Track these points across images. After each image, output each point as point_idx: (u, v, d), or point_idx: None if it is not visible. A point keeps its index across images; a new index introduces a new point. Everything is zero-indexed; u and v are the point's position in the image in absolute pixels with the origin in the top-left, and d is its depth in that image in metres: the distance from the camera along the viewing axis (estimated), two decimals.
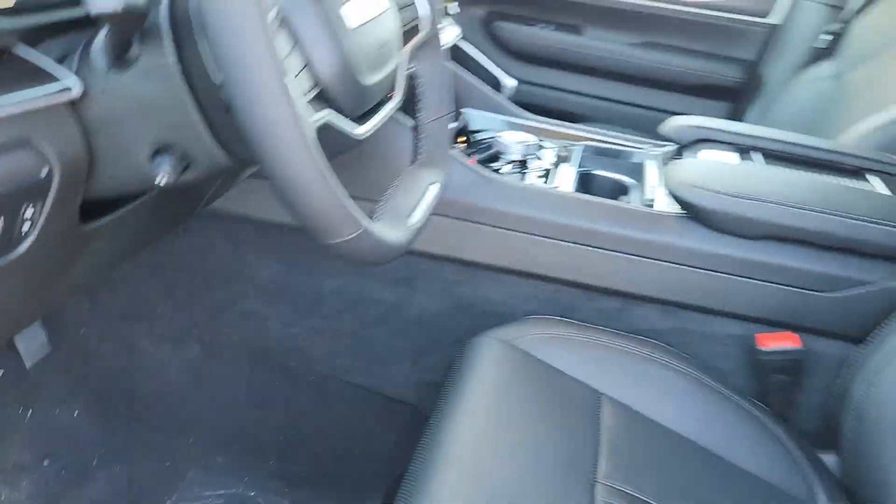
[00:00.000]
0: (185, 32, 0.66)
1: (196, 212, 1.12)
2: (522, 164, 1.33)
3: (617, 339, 1.10)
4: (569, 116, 1.99)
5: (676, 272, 1.12)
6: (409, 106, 0.94)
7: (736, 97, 2.15)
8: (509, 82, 2.21)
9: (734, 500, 0.96)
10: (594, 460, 0.92)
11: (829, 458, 1.11)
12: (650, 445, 0.99)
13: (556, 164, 1.36)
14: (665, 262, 1.12)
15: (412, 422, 1.27)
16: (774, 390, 1.11)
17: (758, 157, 1.26)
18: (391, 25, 0.81)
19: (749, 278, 1.10)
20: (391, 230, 0.72)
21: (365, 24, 0.75)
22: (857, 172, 1.30)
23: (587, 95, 2.16)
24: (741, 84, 2.11)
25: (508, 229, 1.15)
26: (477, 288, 1.19)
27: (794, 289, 1.09)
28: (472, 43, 2.28)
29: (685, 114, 1.40)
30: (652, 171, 1.32)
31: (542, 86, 2.21)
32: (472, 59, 2.30)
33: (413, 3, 0.90)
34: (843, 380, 1.04)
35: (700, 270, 1.12)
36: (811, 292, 1.09)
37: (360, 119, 0.76)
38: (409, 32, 0.90)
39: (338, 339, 1.26)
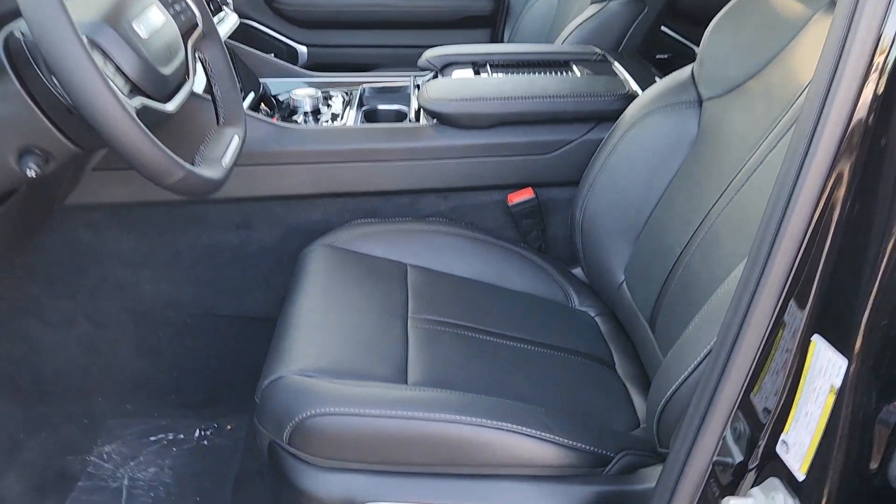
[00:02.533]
0: (22, 62, 0.94)
1: (55, 207, 1.38)
2: (315, 113, 1.66)
3: (413, 224, 1.47)
4: (360, 68, 2.33)
5: (443, 165, 1.50)
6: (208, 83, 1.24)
7: (492, 23, 2.56)
8: (301, 49, 2.52)
9: (511, 309, 1.36)
10: (405, 306, 1.28)
11: (577, 271, 1.55)
12: (445, 288, 1.37)
13: (344, 108, 1.70)
14: (434, 160, 1.50)
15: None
16: (527, 232, 1.52)
17: (486, 69, 1.65)
18: (172, 30, 1.11)
19: (494, 157, 1.50)
20: (209, 170, 1.04)
21: (153, 33, 1.05)
22: (566, 64, 1.72)
23: (368, 46, 2.51)
24: (492, 12, 2.52)
25: (312, 163, 1.48)
26: (301, 215, 1.52)
27: (525, 157, 1.50)
28: (260, 22, 2.55)
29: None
30: (414, 96, 1.69)
31: (330, 46, 2.54)
32: (264, 35, 2.58)
33: (190, 8, 1.20)
34: (571, 212, 1.47)
35: (459, 160, 1.50)
36: (537, 157, 1.50)
37: (169, 98, 1.07)
38: (192, 29, 1.20)
39: (200, 284, 1.55)
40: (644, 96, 1.40)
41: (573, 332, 1.38)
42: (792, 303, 0.66)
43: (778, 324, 0.68)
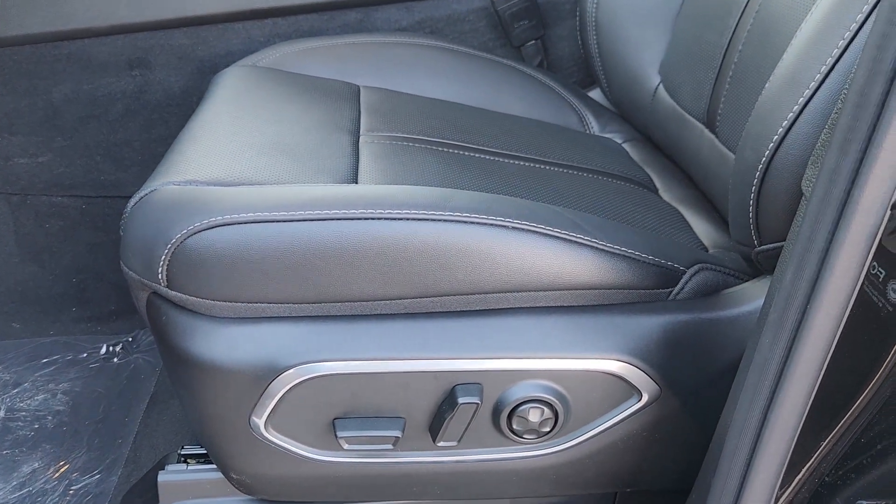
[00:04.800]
0: None
1: None
2: None
3: (367, 37, 1.07)
4: None
5: None
6: None
7: None
8: None
9: (511, 130, 0.97)
10: (356, 122, 0.90)
11: (594, 93, 1.16)
12: (415, 108, 0.98)
13: None
14: None
15: None
16: (523, 41, 1.13)
17: None
18: None
19: None
20: None
21: None
22: None
23: None
24: None
25: None
26: (214, 44, 1.13)
27: None
28: None
29: None
30: None
31: None
32: None
33: None
34: (580, 8, 1.08)
35: None
36: None
37: None
38: None
39: (91, 152, 1.16)
40: None
41: (599, 155, 0.99)
42: None
43: None
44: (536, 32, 1.12)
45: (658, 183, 0.97)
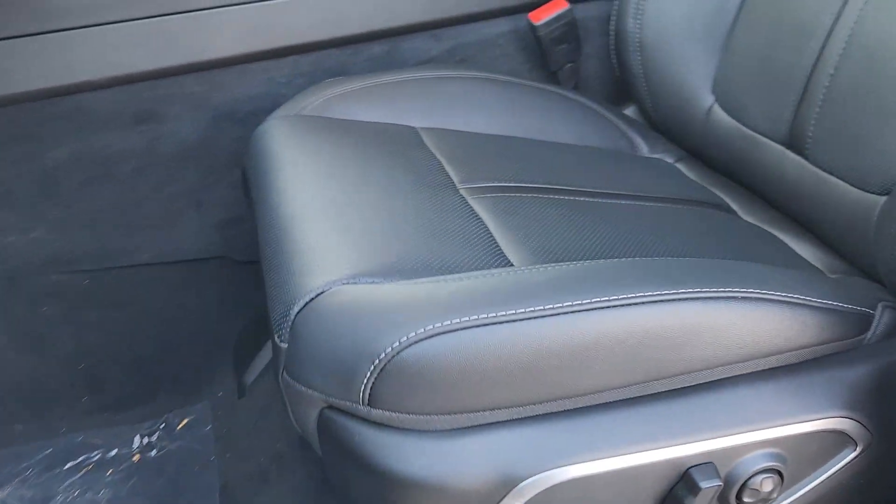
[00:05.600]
0: None
1: None
2: None
3: (404, 74, 1.00)
4: None
5: None
6: None
7: None
8: None
9: (578, 163, 0.94)
10: (445, 175, 0.83)
11: (629, 111, 1.14)
12: (482, 149, 0.92)
13: None
14: None
15: (223, 273, 1.10)
16: (561, 65, 1.09)
17: None
18: None
19: None
20: None
21: None
22: None
23: None
24: None
25: (237, 4, 0.97)
26: (232, 90, 1.01)
27: None
28: None
29: None
30: None
31: None
32: None
33: None
34: (618, 27, 1.05)
35: None
36: None
37: None
38: None
39: (97, 220, 1.02)
40: None
41: (665, 180, 0.97)
42: None
43: None
44: (574, 55, 1.09)
45: (732, 204, 0.97)
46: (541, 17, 1.03)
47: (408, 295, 0.57)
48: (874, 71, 0.78)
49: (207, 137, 1.02)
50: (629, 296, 0.56)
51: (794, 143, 0.89)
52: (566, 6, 1.04)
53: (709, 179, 1.02)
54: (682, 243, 0.77)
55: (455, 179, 0.83)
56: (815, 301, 0.62)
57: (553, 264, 0.61)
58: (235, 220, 1.07)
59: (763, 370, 0.61)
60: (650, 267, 0.60)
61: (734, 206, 0.96)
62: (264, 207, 0.78)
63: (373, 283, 0.59)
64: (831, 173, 0.84)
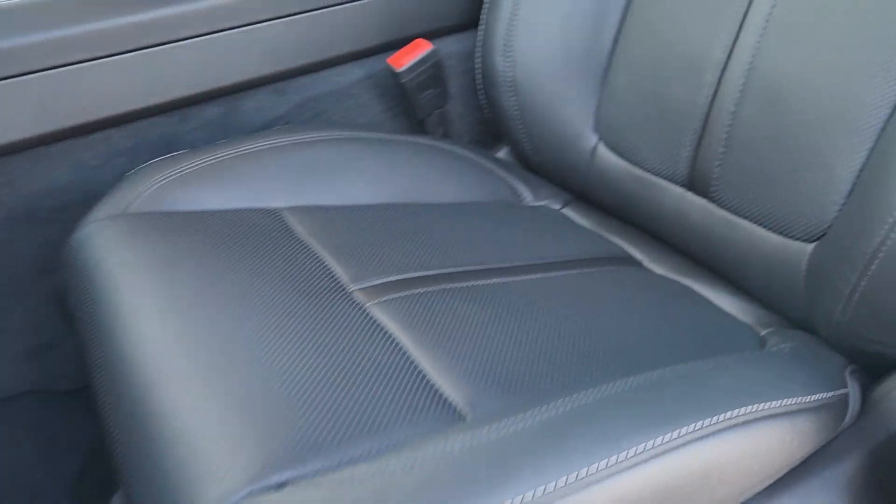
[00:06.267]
0: None
1: None
2: None
3: (252, 143, 0.83)
4: None
5: (266, 32, 0.87)
6: None
7: None
8: None
9: (469, 230, 0.82)
10: (329, 276, 0.68)
11: (503, 152, 1.04)
12: (363, 229, 0.78)
13: None
14: (248, 26, 0.85)
15: (38, 412, 0.87)
16: (429, 111, 0.97)
17: None
18: None
19: (355, 1, 0.90)
20: None
21: None
22: None
23: None
24: None
25: (14, 77, 0.75)
26: (26, 183, 0.79)
27: None
28: None
29: None
30: None
31: None
32: None
33: None
34: (484, 64, 0.94)
35: (294, 17, 0.88)
36: None
37: None
38: None
39: None
40: None
41: (563, 237, 0.88)
42: None
43: None
44: (442, 100, 0.96)
45: (636, 253, 0.89)
46: (402, 61, 0.90)
47: (351, 501, 0.41)
48: (780, 107, 0.73)
49: (1, 245, 0.79)
50: (625, 454, 0.44)
51: (696, 184, 0.83)
52: (430, 47, 0.91)
53: (603, 225, 0.94)
54: (615, 323, 0.67)
55: (344, 279, 0.67)
56: (805, 400, 0.54)
57: (517, 416, 0.48)
58: (49, 346, 0.84)
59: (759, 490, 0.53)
60: (632, 403, 0.49)
61: (638, 255, 0.89)
62: (98, 340, 0.59)
63: (289, 484, 0.43)
64: (744, 217, 0.78)
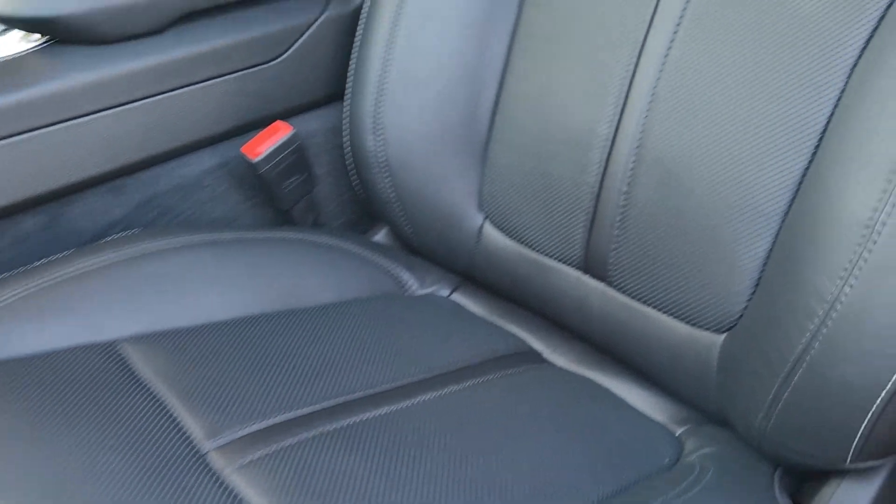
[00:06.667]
0: None
1: None
2: None
3: (83, 262, 0.69)
4: None
5: (97, 124, 0.74)
6: None
7: None
8: None
9: (348, 341, 0.72)
10: (179, 433, 0.56)
11: (381, 235, 0.95)
12: (224, 355, 0.66)
13: None
14: (71, 120, 0.73)
15: None
16: (295, 200, 0.86)
17: None
18: None
19: (191, 84, 0.78)
20: None
21: None
22: None
23: None
24: None
25: None
26: None
27: (244, 72, 0.81)
28: None
29: None
30: None
31: None
32: None
33: None
34: (354, 142, 0.85)
35: (126, 107, 0.75)
36: (264, 66, 0.83)
37: None
38: None
39: None
40: None
41: (454, 334, 0.79)
42: None
43: None
44: (309, 186, 0.86)
45: (534, 342, 0.82)
46: (258, 150, 0.79)
47: None
48: (674, 188, 0.67)
49: None
50: None
51: (592, 267, 0.76)
52: (289, 131, 0.80)
53: (498, 311, 0.86)
54: (520, 453, 0.59)
55: (197, 435, 0.56)
56: None
57: None
58: None
59: None
60: None
61: (537, 346, 0.81)
62: None
63: None
64: (647, 304, 0.72)
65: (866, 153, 0.51)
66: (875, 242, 0.47)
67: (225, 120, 0.81)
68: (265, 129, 0.79)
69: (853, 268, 0.49)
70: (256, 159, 0.78)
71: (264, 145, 0.78)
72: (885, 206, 0.48)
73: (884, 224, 0.47)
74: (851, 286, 0.49)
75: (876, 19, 0.56)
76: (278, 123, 0.80)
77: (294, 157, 0.81)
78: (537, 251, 0.80)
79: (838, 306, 0.49)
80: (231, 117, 0.81)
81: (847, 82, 0.58)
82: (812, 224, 0.56)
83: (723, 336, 0.66)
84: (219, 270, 0.74)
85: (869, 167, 0.50)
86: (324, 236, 0.84)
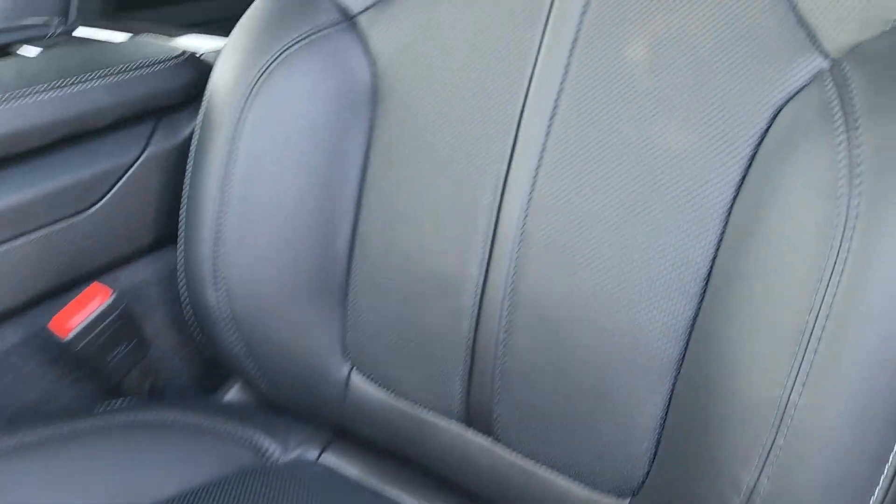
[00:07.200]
0: None
1: None
2: None
3: None
4: None
5: None
6: None
7: None
8: None
9: None
10: None
11: (234, 391, 0.83)
12: None
13: None
14: None
15: None
16: (125, 370, 0.73)
17: None
18: None
19: None
20: None
21: None
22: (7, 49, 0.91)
23: None
24: None
25: None
26: None
27: (52, 226, 0.68)
28: None
29: None
30: None
31: None
32: None
33: None
34: (193, 297, 0.73)
35: None
36: (73, 218, 0.70)
37: None
38: None
39: None
40: (233, 47, 0.73)
41: None
42: None
43: None
44: (140, 354, 0.73)
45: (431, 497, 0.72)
46: (70, 324, 0.65)
47: None
48: (554, 338, 0.60)
49: None
50: None
51: (476, 422, 0.68)
52: (109, 295, 0.68)
53: (376, 471, 0.76)
54: None
55: None
56: None
57: None
58: None
59: None
60: None
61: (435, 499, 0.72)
62: None
63: None
64: (541, 463, 0.64)
65: (765, 312, 0.46)
66: (789, 427, 0.41)
67: (27, 288, 0.67)
68: (78, 297, 0.66)
69: (767, 454, 0.42)
70: (68, 337, 0.64)
71: (77, 318, 0.65)
72: (793, 384, 0.42)
73: (794, 406, 0.41)
74: (769, 477, 0.42)
75: (748, 157, 0.52)
76: (95, 287, 0.67)
77: (118, 325, 0.68)
78: (413, 402, 0.71)
79: (757, 500, 0.43)
80: (35, 283, 0.68)
81: (727, 221, 0.53)
82: (711, 388, 0.50)
83: (627, 500, 0.59)
84: (22, 482, 0.60)
85: (770, 330, 0.45)
86: (161, 411, 0.71)
